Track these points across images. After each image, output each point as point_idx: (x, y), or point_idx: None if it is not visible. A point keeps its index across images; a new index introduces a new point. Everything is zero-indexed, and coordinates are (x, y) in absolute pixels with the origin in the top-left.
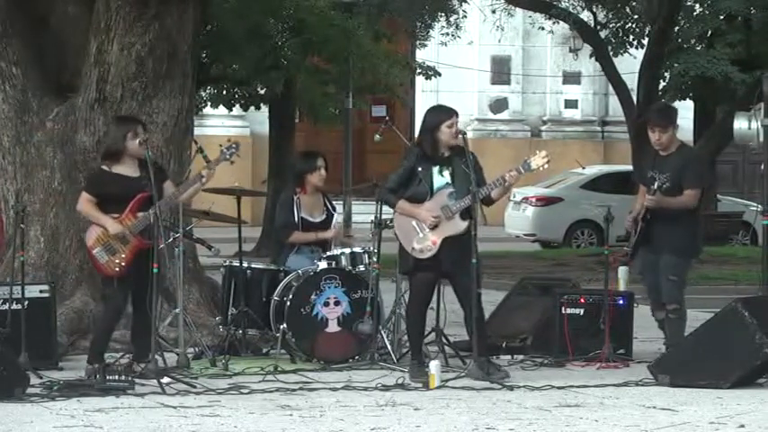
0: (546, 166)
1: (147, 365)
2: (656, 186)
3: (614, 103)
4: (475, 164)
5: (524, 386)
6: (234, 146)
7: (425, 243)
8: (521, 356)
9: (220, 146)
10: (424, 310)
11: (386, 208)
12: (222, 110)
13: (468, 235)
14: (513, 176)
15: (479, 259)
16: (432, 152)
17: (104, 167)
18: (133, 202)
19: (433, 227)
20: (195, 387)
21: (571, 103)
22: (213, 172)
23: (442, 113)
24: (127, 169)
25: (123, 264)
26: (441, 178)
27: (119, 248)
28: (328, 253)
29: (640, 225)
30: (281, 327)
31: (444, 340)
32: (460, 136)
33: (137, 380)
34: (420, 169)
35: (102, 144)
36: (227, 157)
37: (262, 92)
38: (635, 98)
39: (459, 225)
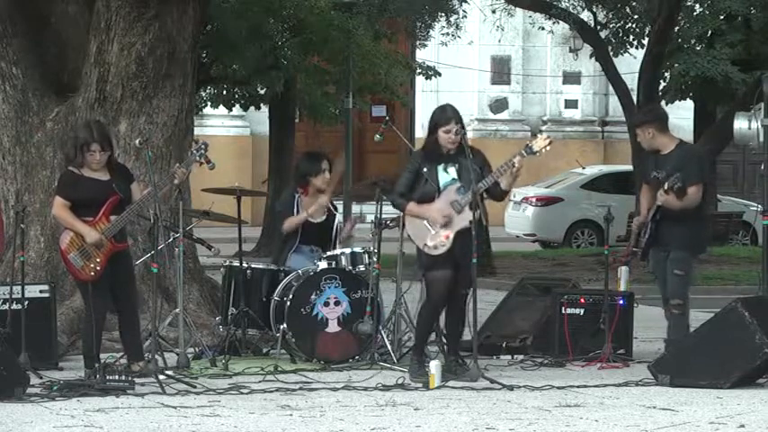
0: (548, 148)
1: (148, 365)
2: (667, 187)
3: (614, 103)
4: (481, 161)
5: (524, 386)
6: (203, 145)
7: (438, 239)
8: (521, 356)
9: (189, 146)
10: (440, 310)
11: (386, 208)
12: (222, 110)
13: (481, 226)
14: (519, 161)
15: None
16: (432, 150)
17: (74, 170)
18: (107, 206)
19: (444, 224)
20: (195, 387)
21: (571, 103)
22: (184, 171)
23: (441, 117)
24: (97, 172)
25: (98, 268)
26: (446, 175)
27: (93, 253)
28: (328, 253)
29: (650, 226)
30: (281, 327)
31: (444, 340)
32: (460, 139)
33: (136, 380)
34: (425, 169)
35: (64, 146)
36: (198, 158)
37: (262, 92)
38: (635, 98)
39: (468, 216)
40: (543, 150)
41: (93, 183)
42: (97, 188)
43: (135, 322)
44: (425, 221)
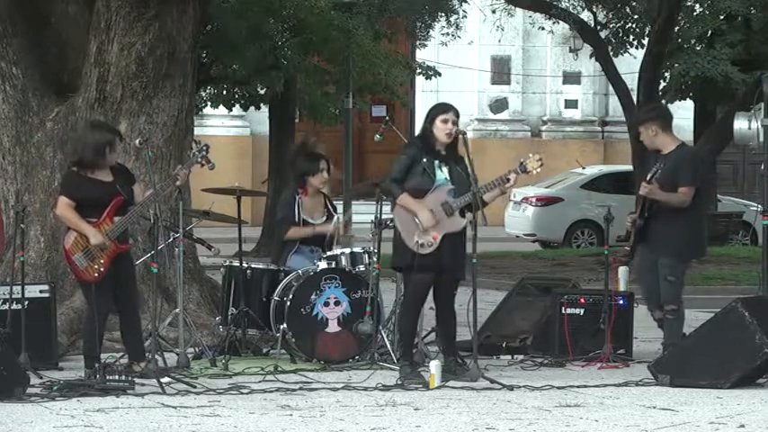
0: (539, 169)
1: (148, 365)
2: (649, 176)
3: (614, 103)
4: (468, 168)
5: (524, 386)
6: (204, 147)
7: (426, 238)
8: (521, 356)
9: (190, 148)
10: (420, 311)
11: (386, 208)
12: (222, 110)
13: (463, 233)
14: (514, 178)
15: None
16: (430, 142)
17: (78, 171)
18: (111, 207)
19: (435, 222)
20: (195, 387)
21: (571, 103)
22: (187, 173)
23: (438, 107)
24: (101, 173)
25: (102, 269)
26: (441, 173)
27: (97, 254)
28: (328, 253)
29: (638, 223)
30: (281, 327)
31: (441, 341)
32: (460, 136)
33: (137, 380)
34: (425, 160)
35: (74, 148)
36: (199, 159)
37: (262, 92)
38: (635, 98)
39: (459, 222)
40: (535, 171)
41: (97, 183)
42: (101, 189)
43: (136, 322)
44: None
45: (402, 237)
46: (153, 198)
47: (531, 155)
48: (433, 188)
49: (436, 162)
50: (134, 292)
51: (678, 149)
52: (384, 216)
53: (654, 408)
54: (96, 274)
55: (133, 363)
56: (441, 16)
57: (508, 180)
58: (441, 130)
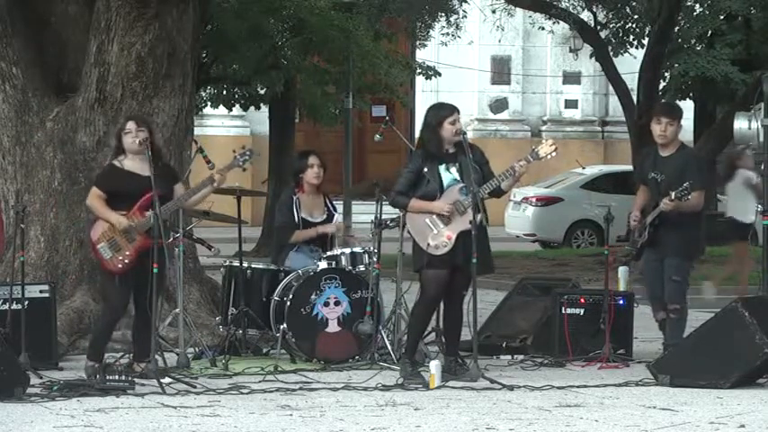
0: (554, 154)
1: (147, 365)
2: (674, 196)
3: (614, 103)
4: (480, 157)
5: (524, 386)
6: (248, 152)
7: (440, 239)
8: (521, 356)
9: (234, 151)
10: (433, 309)
11: (386, 208)
12: (222, 110)
13: (482, 229)
14: (523, 166)
15: (490, 262)
16: (437, 149)
17: (116, 164)
18: (141, 201)
19: (447, 222)
20: (195, 387)
21: (571, 103)
22: (224, 177)
23: (443, 110)
24: (137, 166)
25: (127, 261)
26: (448, 175)
27: (123, 245)
28: (328, 253)
29: (648, 230)
30: (281, 327)
31: (444, 340)
32: (461, 136)
33: (137, 380)
34: (426, 169)
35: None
36: (240, 163)
37: (262, 92)
38: (635, 98)
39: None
40: (549, 156)
41: (132, 177)
42: (135, 182)
43: (150, 322)
44: (427, 219)
45: (416, 241)
46: (186, 196)
47: (544, 140)
48: (444, 192)
49: (442, 166)
50: (158, 291)
51: (680, 152)
52: (384, 216)
53: (654, 408)
54: (120, 266)
55: (134, 362)
56: (441, 16)
57: (515, 172)
58: (449, 131)
